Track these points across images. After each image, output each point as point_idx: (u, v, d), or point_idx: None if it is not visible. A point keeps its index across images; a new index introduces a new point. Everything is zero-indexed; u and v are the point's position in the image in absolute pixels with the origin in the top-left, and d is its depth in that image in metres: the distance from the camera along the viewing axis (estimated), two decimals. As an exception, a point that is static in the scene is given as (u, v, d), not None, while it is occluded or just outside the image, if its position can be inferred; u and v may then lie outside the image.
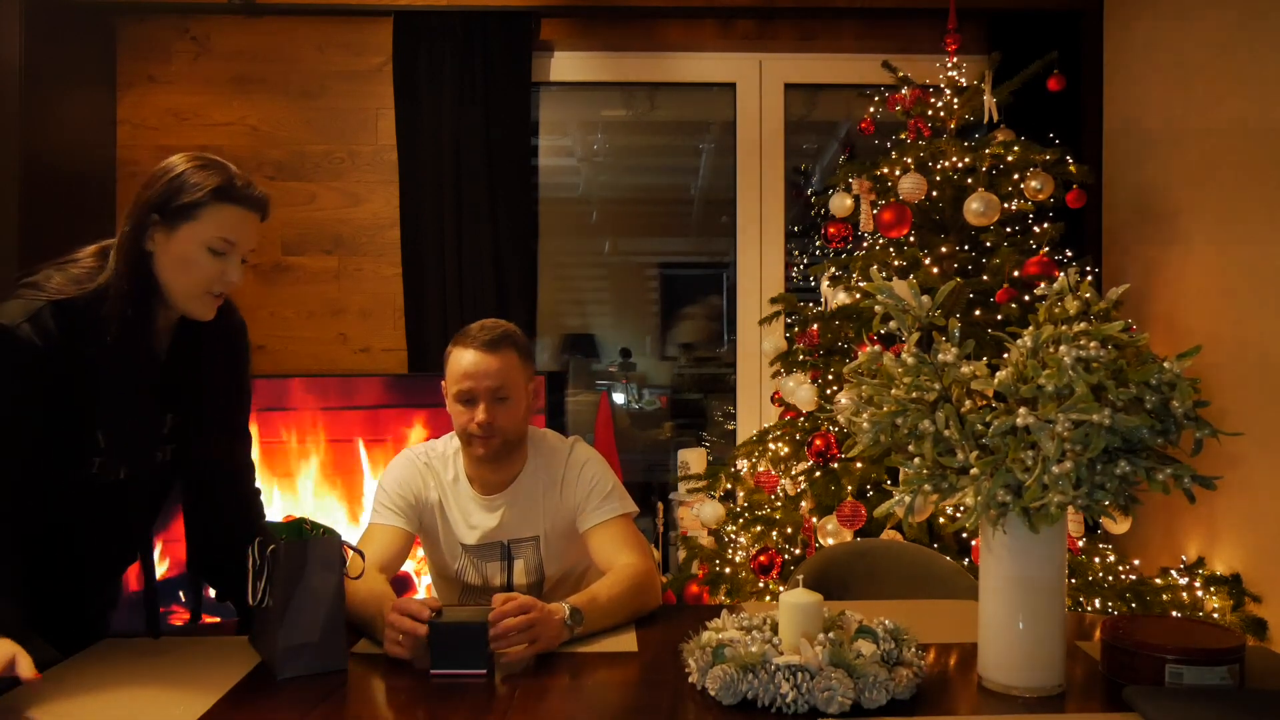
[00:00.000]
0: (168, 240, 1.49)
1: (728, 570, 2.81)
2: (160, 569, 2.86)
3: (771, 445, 2.92)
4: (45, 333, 1.43)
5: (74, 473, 1.52)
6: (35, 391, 1.44)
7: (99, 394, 1.50)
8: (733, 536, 2.90)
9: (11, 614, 1.41)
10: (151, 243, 1.50)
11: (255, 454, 1.83)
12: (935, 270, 2.76)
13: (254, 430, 1.80)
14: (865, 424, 1.39)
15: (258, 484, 1.82)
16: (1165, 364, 1.28)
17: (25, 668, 1.31)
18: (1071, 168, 2.84)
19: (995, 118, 2.93)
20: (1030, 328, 1.39)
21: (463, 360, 1.83)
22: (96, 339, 1.47)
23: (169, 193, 1.48)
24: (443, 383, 1.90)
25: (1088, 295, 1.38)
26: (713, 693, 1.33)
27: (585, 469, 1.92)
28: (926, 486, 1.37)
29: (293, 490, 3.18)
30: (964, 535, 2.59)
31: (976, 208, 2.71)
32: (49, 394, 1.46)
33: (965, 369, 1.36)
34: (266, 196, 1.58)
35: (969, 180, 2.81)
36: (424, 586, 3.10)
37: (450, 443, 1.97)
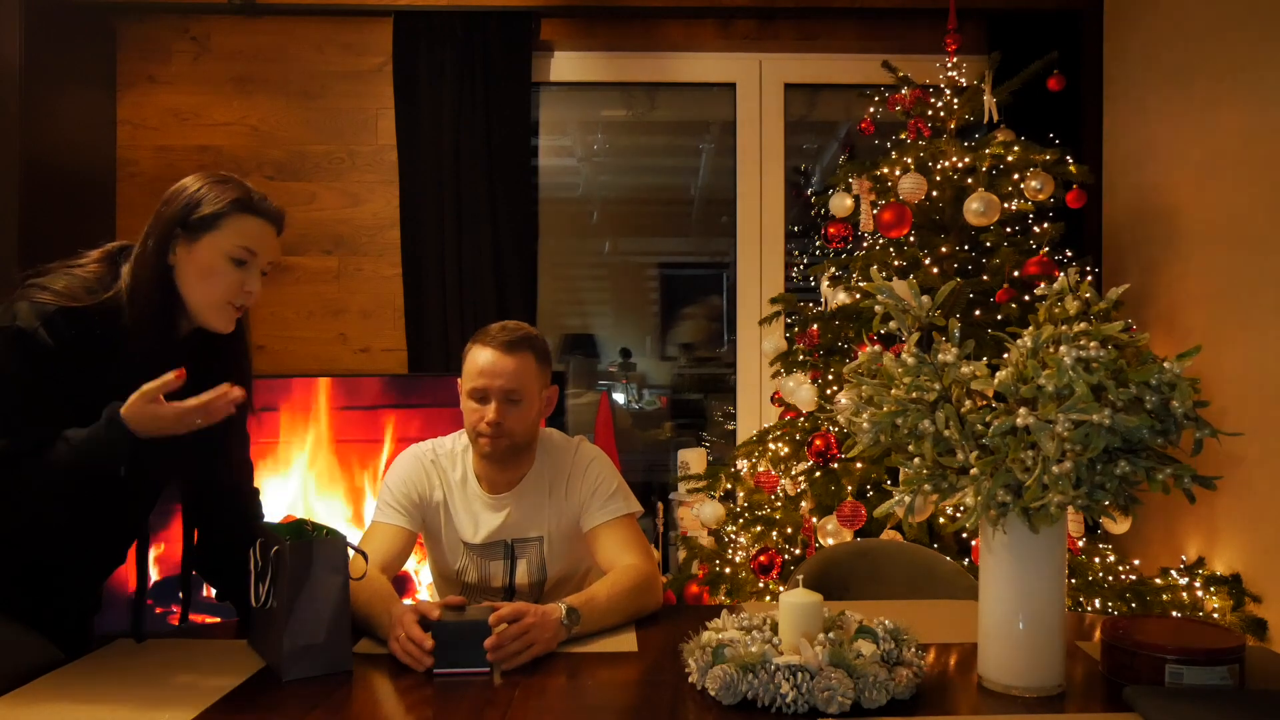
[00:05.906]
0: (190, 252, 1.53)
1: (728, 570, 2.81)
2: (155, 571, 2.86)
3: (771, 445, 2.92)
4: (58, 337, 1.44)
5: None
6: (51, 391, 1.45)
7: (103, 398, 1.49)
8: (733, 536, 2.90)
9: None
10: (174, 256, 1.53)
11: (254, 455, 1.83)
12: (935, 270, 2.76)
13: (253, 430, 1.81)
14: (865, 424, 1.39)
15: (255, 484, 1.82)
16: (1165, 364, 1.27)
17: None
18: (1071, 168, 2.84)
19: (995, 118, 2.93)
20: (1030, 328, 1.39)
21: (479, 358, 1.83)
22: (107, 346, 1.47)
23: (190, 206, 1.53)
24: (458, 380, 1.91)
25: (1088, 295, 1.38)
26: (713, 693, 1.33)
27: (591, 468, 1.92)
28: (926, 486, 1.37)
29: (292, 491, 3.17)
30: (964, 535, 2.59)
31: (976, 208, 2.71)
32: (55, 395, 1.46)
33: (965, 369, 1.35)
34: (282, 211, 1.64)
35: (969, 180, 2.81)
36: (424, 586, 3.10)
37: (459, 440, 1.97)
